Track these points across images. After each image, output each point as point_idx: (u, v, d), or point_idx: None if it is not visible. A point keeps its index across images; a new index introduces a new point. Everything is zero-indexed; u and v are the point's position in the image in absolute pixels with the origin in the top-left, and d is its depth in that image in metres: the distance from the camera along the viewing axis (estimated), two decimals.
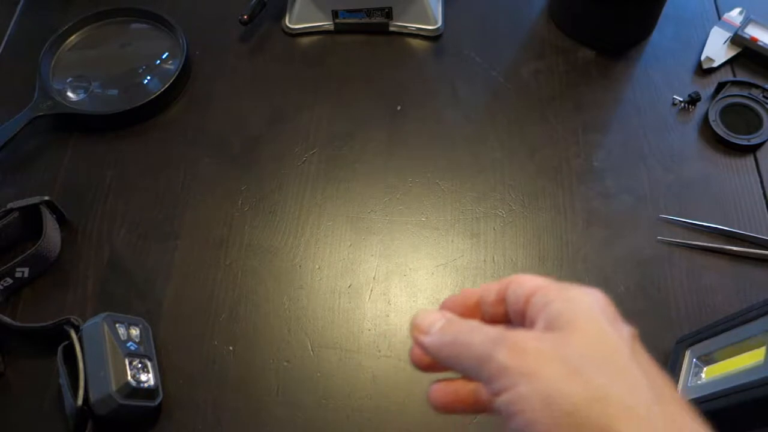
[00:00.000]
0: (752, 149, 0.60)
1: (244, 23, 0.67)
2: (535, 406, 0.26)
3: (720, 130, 0.60)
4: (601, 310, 0.30)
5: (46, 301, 0.54)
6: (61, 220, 0.57)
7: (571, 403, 0.25)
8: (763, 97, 0.62)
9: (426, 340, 0.32)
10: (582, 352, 0.27)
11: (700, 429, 0.27)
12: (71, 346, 0.48)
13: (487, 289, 0.34)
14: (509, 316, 0.33)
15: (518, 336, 0.29)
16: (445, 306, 0.35)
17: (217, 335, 0.52)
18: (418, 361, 0.34)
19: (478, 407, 0.33)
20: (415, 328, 0.33)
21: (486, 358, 0.28)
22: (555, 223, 0.57)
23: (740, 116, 0.61)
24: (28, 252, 0.53)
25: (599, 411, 0.25)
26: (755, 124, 0.61)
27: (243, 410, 0.49)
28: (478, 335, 0.30)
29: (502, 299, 0.33)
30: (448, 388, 0.34)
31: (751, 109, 0.61)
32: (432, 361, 0.33)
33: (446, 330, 0.32)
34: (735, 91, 0.62)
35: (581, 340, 0.28)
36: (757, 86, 0.62)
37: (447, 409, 0.35)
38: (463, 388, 0.34)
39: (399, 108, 0.64)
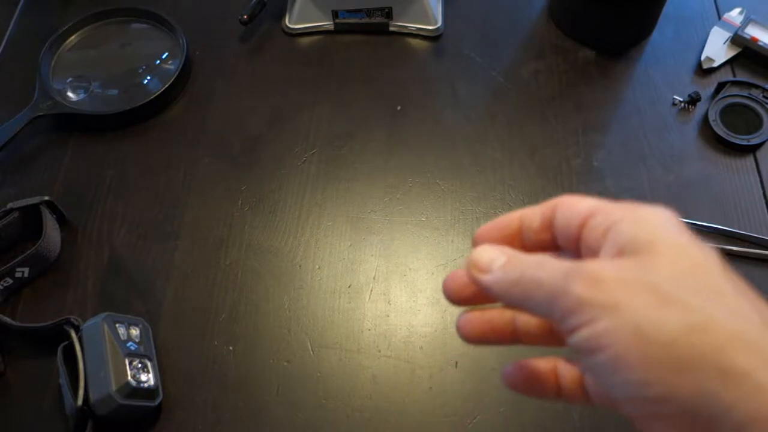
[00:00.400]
0: (752, 149, 0.60)
1: (244, 23, 0.67)
2: (624, 339, 0.23)
3: (720, 130, 0.60)
4: (678, 227, 0.26)
5: (46, 301, 0.54)
6: (61, 220, 0.57)
7: (667, 334, 0.22)
8: (763, 97, 0.62)
9: (488, 278, 0.28)
10: (671, 276, 0.24)
11: None
12: (71, 346, 0.48)
13: (530, 214, 0.31)
14: (558, 243, 0.30)
15: (594, 266, 0.25)
16: (481, 235, 0.31)
17: (217, 335, 0.52)
18: (456, 294, 0.31)
19: (514, 337, 0.31)
20: (473, 266, 0.29)
21: (559, 293, 0.25)
22: None
23: (740, 116, 0.61)
24: (28, 252, 0.53)
25: (701, 339, 0.22)
26: (755, 124, 0.61)
27: (243, 410, 0.49)
28: (547, 270, 0.26)
29: (548, 225, 0.30)
30: (482, 318, 0.32)
31: (751, 109, 0.61)
32: (471, 295, 0.31)
33: (510, 267, 0.28)
34: (735, 91, 0.62)
35: (666, 262, 0.25)
36: (757, 86, 0.62)
37: (481, 340, 0.32)
38: (498, 318, 0.32)
39: (399, 108, 0.64)
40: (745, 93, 0.62)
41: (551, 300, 0.26)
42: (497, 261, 0.28)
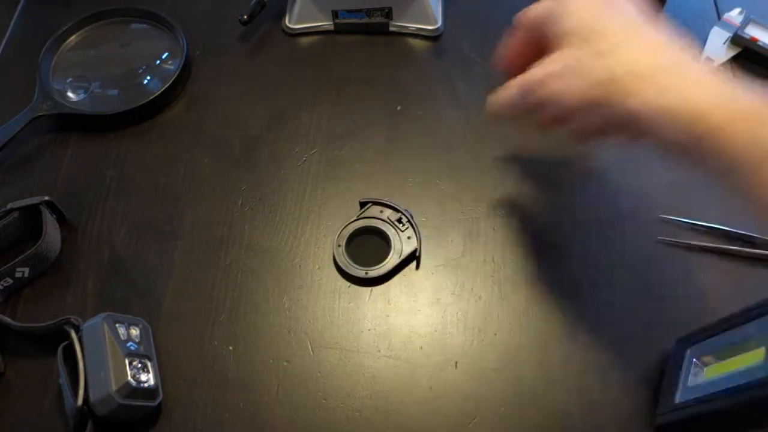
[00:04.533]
0: (370, 282, 0.55)
1: (244, 23, 0.67)
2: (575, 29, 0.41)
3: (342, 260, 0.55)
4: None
5: (46, 301, 0.54)
6: (61, 220, 0.57)
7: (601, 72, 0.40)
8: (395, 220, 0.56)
9: (512, 93, 0.47)
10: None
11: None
12: (71, 346, 0.48)
13: (513, 45, 0.48)
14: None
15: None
16: (504, 65, 0.50)
17: (217, 335, 0.52)
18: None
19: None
20: (501, 101, 0.49)
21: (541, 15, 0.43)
22: (555, 223, 0.57)
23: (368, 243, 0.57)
24: (28, 252, 0.53)
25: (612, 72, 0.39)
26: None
27: (243, 410, 0.49)
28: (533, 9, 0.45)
29: (530, 41, 0.46)
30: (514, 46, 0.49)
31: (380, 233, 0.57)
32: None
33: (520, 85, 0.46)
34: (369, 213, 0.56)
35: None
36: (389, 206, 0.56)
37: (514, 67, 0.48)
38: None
39: (399, 108, 0.64)
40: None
41: (538, 21, 0.45)
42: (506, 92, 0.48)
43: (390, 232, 0.55)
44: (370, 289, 0.54)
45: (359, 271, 0.54)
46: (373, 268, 0.54)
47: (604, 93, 0.39)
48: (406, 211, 0.56)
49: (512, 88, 0.46)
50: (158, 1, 0.71)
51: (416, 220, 0.56)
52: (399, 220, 0.56)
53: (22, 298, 0.54)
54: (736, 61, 0.66)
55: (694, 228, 0.57)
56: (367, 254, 0.55)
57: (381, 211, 0.56)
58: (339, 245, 0.55)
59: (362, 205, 0.57)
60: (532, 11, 0.45)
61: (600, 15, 0.41)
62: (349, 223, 0.55)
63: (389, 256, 0.54)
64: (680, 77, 0.37)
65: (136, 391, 0.46)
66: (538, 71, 0.43)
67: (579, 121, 0.42)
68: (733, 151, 0.34)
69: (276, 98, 0.65)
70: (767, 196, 0.34)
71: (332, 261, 0.55)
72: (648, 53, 0.39)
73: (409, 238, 0.55)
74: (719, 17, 0.69)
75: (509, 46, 0.48)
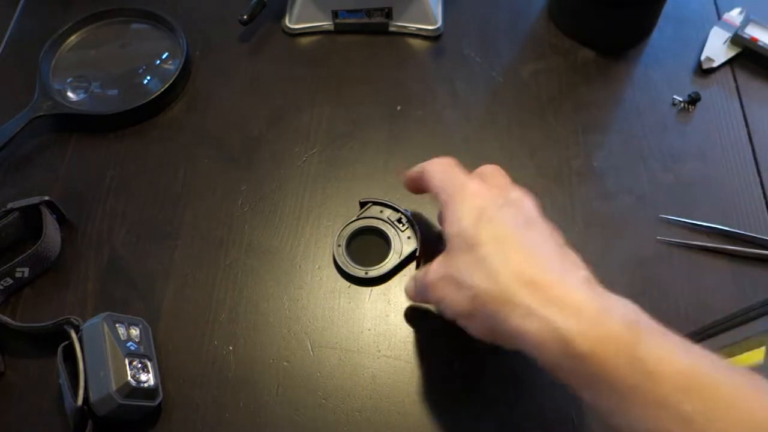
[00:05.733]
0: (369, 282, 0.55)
1: (244, 23, 0.67)
2: (456, 315, 0.42)
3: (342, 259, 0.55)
4: (467, 213, 0.42)
5: (46, 301, 0.54)
6: (61, 220, 0.57)
7: (466, 309, 0.41)
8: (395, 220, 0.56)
9: (417, 299, 0.50)
10: (457, 266, 0.41)
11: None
12: (71, 346, 0.48)
13: (411, 179, 0.50)
14: None
15: (426, 277, 0.44)
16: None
17: (217, 335, 0.52)
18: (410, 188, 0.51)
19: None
20: (408, 297, 0.50)
21: (429, 299, 0.45)
22: (554, 223, 0.57)
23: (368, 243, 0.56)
24: (28, 252, 0.53)
25: (481, 306, 0.39)
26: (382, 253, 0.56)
27: (243, 410, 0.49)
28: (418, 285, 0.47)
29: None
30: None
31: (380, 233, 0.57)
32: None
33: (413, 290, 0.48)
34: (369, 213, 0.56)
35: (455, 254, 0.41)
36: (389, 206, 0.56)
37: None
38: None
39: (399, 108, 0.64)
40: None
41: (427, 297, 0.45)
42: (410, 286, 0.49)
43: (390, 232, 0.55)
44: (370, 289, 0.54)
45: (359, 271, 0.54)
46: (373, 268, 0.54)
47: (480, 307, 0.38)
48: (405, 211, 0.56)
49: (409, 287, 0.49)
50: (158, 1, 0.71)
51: (416, 219, 0.56)
52: (399, 220, 0.56)
53: (22, 298, 0.54)
54: (736, 61, 0.66)
55: (694, 228, 0.57)
56: (367, 254, 0.55)
57: (381, 211, 0.56)
58: (339, 245, 0.55)
59: (362, 205, 0.57)
60: (434, 177, 0.46)
61: (482, 219, 0.40)
62: (349, 223, 0.55)
63: (389, 256, 0.54)
64: (548, 299, 0.36)
65: (136, 391, 0.46)
66: (429, 274, 0.43)
67: (472, 327, 0.41)
68: (608, 375, 0.33)
69: (276, 98, 0.65)
70: (640, 426, 0.32)
71: (332, 261, 0.55)
72: (521, 268, 0.37)
73: (409, 237, 0.55)
74: (719, 17, 0.69)
75: (410, 176, 0.50)
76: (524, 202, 0.43)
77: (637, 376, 0.32)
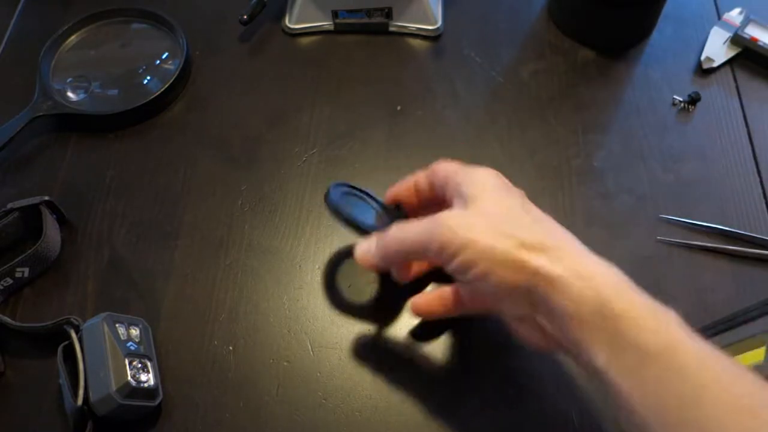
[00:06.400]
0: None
1: (244, 23, 0.67)
2: (483, 259, 0.39)
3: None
4: (495, 183, 0.44)
5: (46, 301, 0.54)
6: (61, 220, 0.57)
7: (503, 251, 0.38)
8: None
9: (372, 261, 0.45)
10: (493, 215, 0.41)
11: (571, 239, 0.41)
12: (71, 346, 0.48)
13: (419, 179, 0.49)
14: (438, 198, 0.47)
15: (447, 217, 0.41)
16: (390, 193, 0.50)
17: (217, 335, 0.52)
18: (374, 268, 0.48)
19: (457, 306, 0.48)
20: (359, 261, 0.46)
21: (428, 242, 0.41)
22: None
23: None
24: (28, 252, 0.53)
25: (522, 255, 0.38)
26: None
27: (243, 410, 0.49)
28: (412, 231, 0.43)
29: (432, 186, 0.47)
30: (431, 295, 0.49)
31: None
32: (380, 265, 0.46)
33: (381, 244, 0.44)
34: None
35: (488, 207, 0.41)
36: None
37: (430, 312, 0.49)
38: (445, 292, 0.48)
39: (399, 108, 0.64)
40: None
41: (425, 246, 0.41)
42: (371, 249, 0.45)
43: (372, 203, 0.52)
44: (370, 289, 0.54)
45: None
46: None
47: (523, 253, 0.39)
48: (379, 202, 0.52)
49: (378, 245, 0.46)
50: (158, 1, 0.71)
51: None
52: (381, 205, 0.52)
53: (22, 298, 0.54)
54: (736, 61, 0.66)
55: (694, 228, 0.57)
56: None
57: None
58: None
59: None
60: (440, 170, 0.47)
61: (508, 189, 0.44)
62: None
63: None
64: (592, 260, 0.40)
65: (136, 391, 0.46)
66: (448, 219, 0.42)
67: (498, 274, 0.40)
68: (636, 336, 0.36)
69: (276, 98, 0.65)
70: (650, 393, 0.35)
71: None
72: (563, 234, 0.42)
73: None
74: (719, 17, 0.69)
75: (408, 183, 0.50)
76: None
77: (663, 342, 0.35)
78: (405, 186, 0.50)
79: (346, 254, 0.56)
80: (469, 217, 0.41)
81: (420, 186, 0.49)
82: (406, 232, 0.43)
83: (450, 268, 0.41)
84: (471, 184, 0.43)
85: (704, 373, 0.34)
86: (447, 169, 0.46)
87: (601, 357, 0.36)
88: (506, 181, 0.45)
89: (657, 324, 0.36)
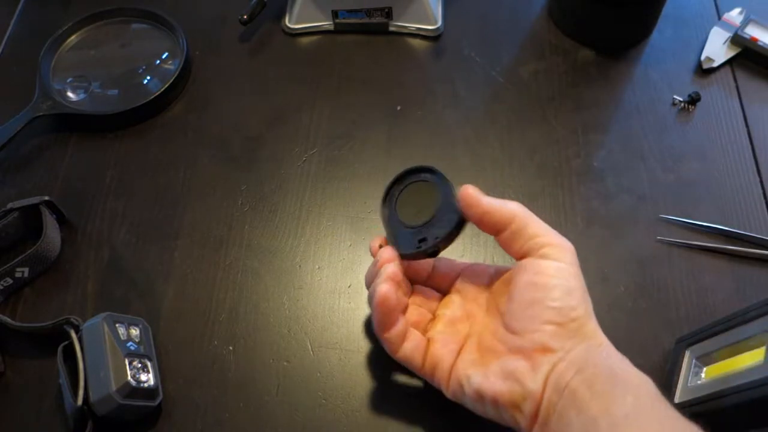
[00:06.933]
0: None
1: (244, 23, 0.67)
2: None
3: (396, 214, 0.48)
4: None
5: (46, 301, 0.54)
6: (61, 220, 0.57)
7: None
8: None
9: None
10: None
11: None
12: (71, 346, 0.48)
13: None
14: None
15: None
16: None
17: (217, 335, 0.52)
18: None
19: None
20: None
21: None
22: (555, 223, 0.57)
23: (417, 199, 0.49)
24: (28, 252, 0.53)
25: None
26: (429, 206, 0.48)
27: (243, 410, 0.49)
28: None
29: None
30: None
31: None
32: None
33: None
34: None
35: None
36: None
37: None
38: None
39: (399, 108, 0.64)
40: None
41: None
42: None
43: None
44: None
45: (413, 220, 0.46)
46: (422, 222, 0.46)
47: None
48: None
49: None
50: (158, 1, 0.71)
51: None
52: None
53: (22, 298, 0.54)
54: (736, 61, 0.66)
55: (694, 228, 0.57)
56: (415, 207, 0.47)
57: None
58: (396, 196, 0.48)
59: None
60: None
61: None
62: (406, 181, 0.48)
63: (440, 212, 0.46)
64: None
65: (136, 391, 0.46)
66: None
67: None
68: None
69: (276, 98, 0.65)
70: None
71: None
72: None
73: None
74: (719, 17, 0.69)
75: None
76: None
77: None
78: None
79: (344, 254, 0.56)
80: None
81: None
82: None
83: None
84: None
85: None
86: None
87: None
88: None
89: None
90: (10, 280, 0.53)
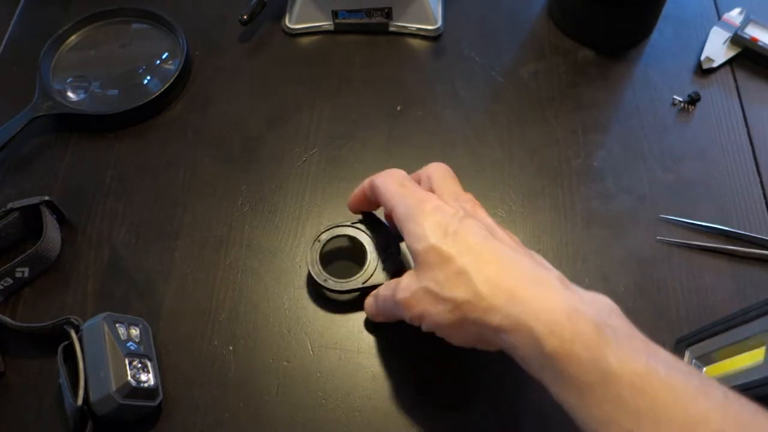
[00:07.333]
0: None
1: (244, 23, 0.67)
2: (438, 328, 0.43)
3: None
4: (430, 227, 0.42)
5: (46, 301, 0.54)
6: (61, 220, 0.57)
7: (449, 321, 0.41)
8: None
9: (379, 319, 0.49)
10: (434, 280, 0.41)
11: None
12: (71, 346, 0.48)
13: (364, 191, 0.50)
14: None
15: (400, 293, 0.43)
16: (352, 205, 0.52)
17: (217, 335, 0.52)
18: (353, 207, 0.52)
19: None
20: (369, 315, 0.50)
21: (400, 316, 0.45)
22: (554, 223, 0.57)
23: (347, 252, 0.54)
24: (28, 252, 0.53)
25: (464, 316, 0.40)
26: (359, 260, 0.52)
27: (243, 410, 0.49)
28: (388, 303, 0.46)
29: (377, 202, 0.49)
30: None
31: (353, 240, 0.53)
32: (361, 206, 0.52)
33: (378, 308, 0.49)
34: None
35: (428, 269, 0.42)
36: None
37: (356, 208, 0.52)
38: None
39: (399, 108, 0.64)
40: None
41: (398, 316, 0.45)
42: (373, 305, 0.49)
43: (371, 255, 0.51)
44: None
45: (320, 275, 0.51)
46: (334, 279, 0.50)
47: (462, 317, 0.40)
48: (396, 239, 0.51)
49: (370, 306, 0.49)
50: (158, 1, 0.71)
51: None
52: (386, 248, 0.51)
53: (22, 298, 0.54)
54: (736, 61, 0.66)
55: (694, 228, 0.57)
56: (339, 263, 0.53)
57: (377, 229, 0.52)
58: (319, 240, 0.52)
59: (365, 215, 0.53)
60: (387, 191, 0.46)
61: (448, 234, 0.41)
62: (341, 225, 0.52)
63: (355, 276, 0.50)
64: (523, 303, 0.38)
65: (136, 391, 0.46)
66: (400, 292, 0.43)
67: (455, 335, 0.43)
68: (572, 371, 0.35)
69: (276, 98, 0.65)
70: (595, 419, 0.35)
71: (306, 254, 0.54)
72: (498, 278, 0.39)
73: (384, 270, 0.50)
74: (719, 17, 0.69)
75: (357, 193, 0.51)
76: (479, 212, 0.45)
77: (596, 374, 0.35)
78: (356, 197, 0.51)
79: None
80: (416, 286, 0.42)
81: (366, 199, 0.50)
82: (383, 301, 0.47)
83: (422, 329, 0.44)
84: (408, 233, 0.43)
85: (639, 400, 0.34)
86: (386, 192, 0.46)
87: (552, 390, 0.38)
88: (435, 201, 0.44)
89: (590, 355, 0.35)
90: (10, 280, 0.53)
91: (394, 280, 0.45)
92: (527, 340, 0.37)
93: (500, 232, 0.43)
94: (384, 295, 0.46)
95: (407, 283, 0.43)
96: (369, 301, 0.49)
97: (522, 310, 0.37)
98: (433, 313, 0.41)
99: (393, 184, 0.46)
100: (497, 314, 0.38)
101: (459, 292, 0.40)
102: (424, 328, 0.43)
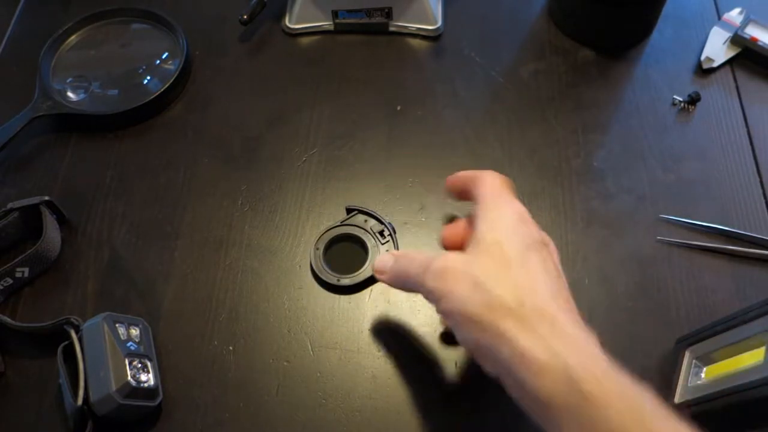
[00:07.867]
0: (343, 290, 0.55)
1: (244, 23, 0.67)
2: (454, 313, 0.38)
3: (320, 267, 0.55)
4: (510, 226, 0.40)
5: (46, 301, 0.54)
6: (61, 220, 0.57)
7: (474, 312, 0.37)
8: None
9: (382, 278, 0.45)
10: (484, 269, 0.38)
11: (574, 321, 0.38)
12: (71, 346, 0.48)
13: (464, 180, 0.46)
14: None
15: (439, 262, 0.40)
16: (444, 236, 0.46)
17: (217, 335, 0.52)
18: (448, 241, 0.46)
19: None
20: (375, 271, 0.46)
21: (420, 283, 0.41)
22: (555, 223, 0.57)
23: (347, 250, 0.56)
24: (28, 252, 0.53)
25: (492, 315, 0.37)
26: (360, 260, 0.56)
27: (243, 410, 0.49)
28: (413, 265, 0.42)
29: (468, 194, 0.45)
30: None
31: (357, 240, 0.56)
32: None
33: (392, 268, 0.44)
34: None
35: (485, 258, 0.39)
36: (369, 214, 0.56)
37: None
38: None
39: (399, 108, 0.64)
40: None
41: (418, 287, 0.41)
42: (388, 264, 0.44)
43: (370, 242, 0.55)
44: (370, 289, 0.54)
45: (332, 277, 0.53)
46: (346, 276, 0.54)
47: (488, 315, 0.37)
48: (389, 224, 0.55)
49: (386, 263, 0.45)
50: (158, 1, 0.71)
51: (416, 219, 0.56)
52: (381, 232, 0.55)
53: (22, 298, 0.54)
54: (736, 61, 0.66)
55: (694, 228, 0.57)
56: (343, 261, 0.54)
57: (365, 221, 0.56)
58: (317, 248, 0.55)
59: (348, 211, 0.57)
60: (486, 183, 0.44)
61: (524, 242, 0.40)
62: (330, 228, 0.55)
63: (364, 267, 0.54)
64: (561, 335, 0.36)
65: (136, 391, 0.46)
66: (445, 261, 0.40)
67: (464, 331, 0.39)
68: (603, 416, 0.34)
69: (276, 98, 0.65)
70: None
71: (309, 263, 0.55)
72: (545, 303, 0.37)
73: (387, 251, 0.54)
74: (719, 17, 0.69)
75: (460, 176, 0.47)
76: (555, 255, 0.43)
77: (628, 425, 0.33)
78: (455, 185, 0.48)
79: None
80: (462, 264, 0.39)
81: (458, 187, 0.47)
82: (409, 262, 0.43)
83: (434, 307, 0.41)
84: (487, 219, 0.41)
85: None
86: (485, 186, 0.43)
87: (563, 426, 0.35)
88: (527, 218, 0.42)
89: (625, 405, 0.34)
90: (10, 280, 0.53)
91: (417, 250, 0.43)
92: (558, 372, 0.35)
93: (563, 278, 0.41)
94: (411, 257, 0.43)
95: (454, 257, 0.40)
96: (385, 257, 0.45)
97: (561, 340, 0.35)
98: (462, 297, 0.38)
99: (495, 181, 0.44)
100: (529, 334, 0.36)
101: (501, 291, 0.37)
102: (441, 308, 0.40)
